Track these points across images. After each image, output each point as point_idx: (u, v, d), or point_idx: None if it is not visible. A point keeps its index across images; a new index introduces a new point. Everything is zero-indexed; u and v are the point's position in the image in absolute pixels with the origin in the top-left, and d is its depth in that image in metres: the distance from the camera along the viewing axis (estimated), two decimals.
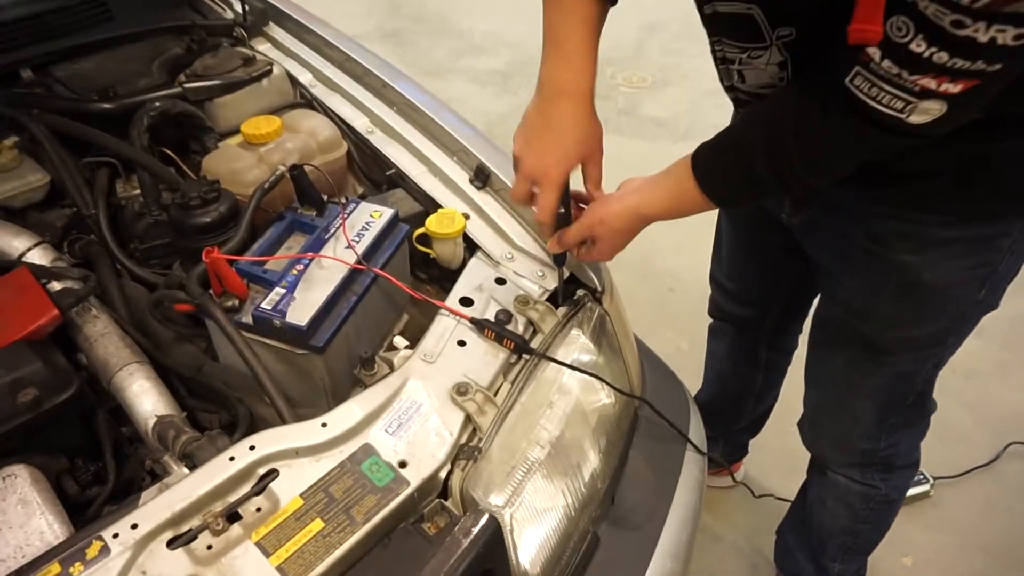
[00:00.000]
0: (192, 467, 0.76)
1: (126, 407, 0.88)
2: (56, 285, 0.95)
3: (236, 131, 1.17)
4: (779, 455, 1.74)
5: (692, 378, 1.68)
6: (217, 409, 0.95)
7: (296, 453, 0.75)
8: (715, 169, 0.84)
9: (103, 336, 0.92)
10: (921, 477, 1.64)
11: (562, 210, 0.92)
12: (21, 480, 0.77)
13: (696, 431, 1.04)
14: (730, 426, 1.58)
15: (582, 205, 0.96)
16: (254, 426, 0.88)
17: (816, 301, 1.17)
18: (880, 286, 0.97)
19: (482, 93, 3.32)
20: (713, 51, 0.91)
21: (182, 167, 1.15)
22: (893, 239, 0.93)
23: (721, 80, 0.97)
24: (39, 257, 0.97)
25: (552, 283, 1.00)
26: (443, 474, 0.77)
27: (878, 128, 0.70)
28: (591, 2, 0.84)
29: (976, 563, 1.56)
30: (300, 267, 0.93)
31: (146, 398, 0.88)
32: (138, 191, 1.11)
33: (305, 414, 0.94)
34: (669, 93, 3.28)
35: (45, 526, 0.73)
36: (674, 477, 0.97)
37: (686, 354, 2.01)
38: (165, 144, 1.17)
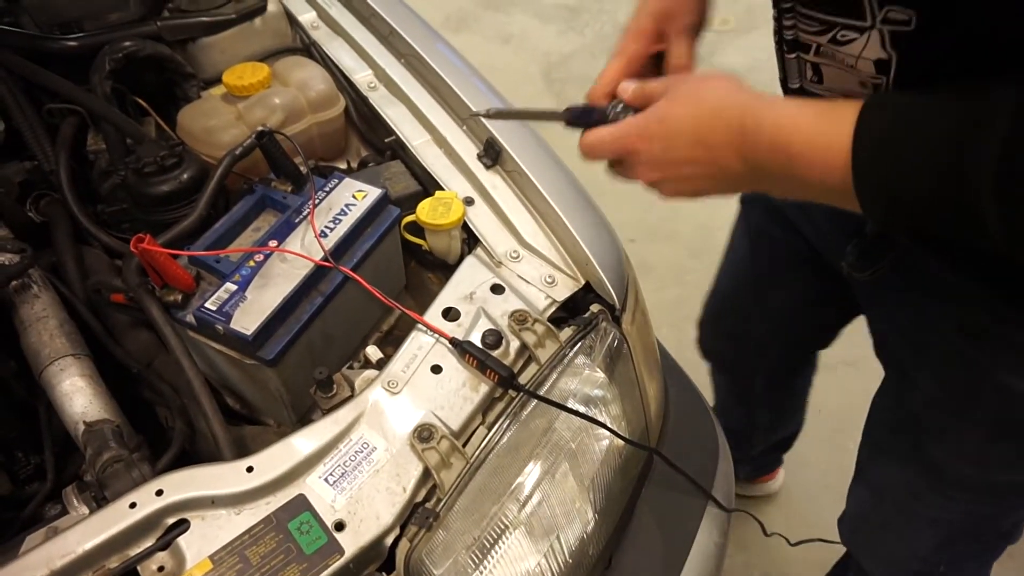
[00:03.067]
0: (101, 501, 0.65)
1: (55, 407, 0.77)
2: None
3: (218, 75, 1.02)
4: (826, 469, 1.55)
5: None
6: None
7: (212, 502, 0.62)
8: (896, 143, 0.49)
9: (38, 321, 0.81)
10: None
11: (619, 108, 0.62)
12: None
13: (724, 480, 0.87)
14: (747, 453, 1.38)
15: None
16: (193, 446, 0.76)
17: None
18: (966, 406, 0.71)
19: (545, 30, 3.05)
20: (779, 29, 0.64)
21: (158, 121, 1.01)
22: (1001, 348, 0.64)
23: (784, 78, 0.70)
24: None
25: (564, 293, 0.83)
26: (388, 541, 0.63)
27: None
28: None
29: None
30: (259, 258, 0.79)
31: (77, 398, 0.77)
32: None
33: (261, 430, 0.82)
34: (753, 39, 2.93)
35: None
36: (688, 539, 0.81)
37: None
38: (144, 91, 1.03)
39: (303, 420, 0.83)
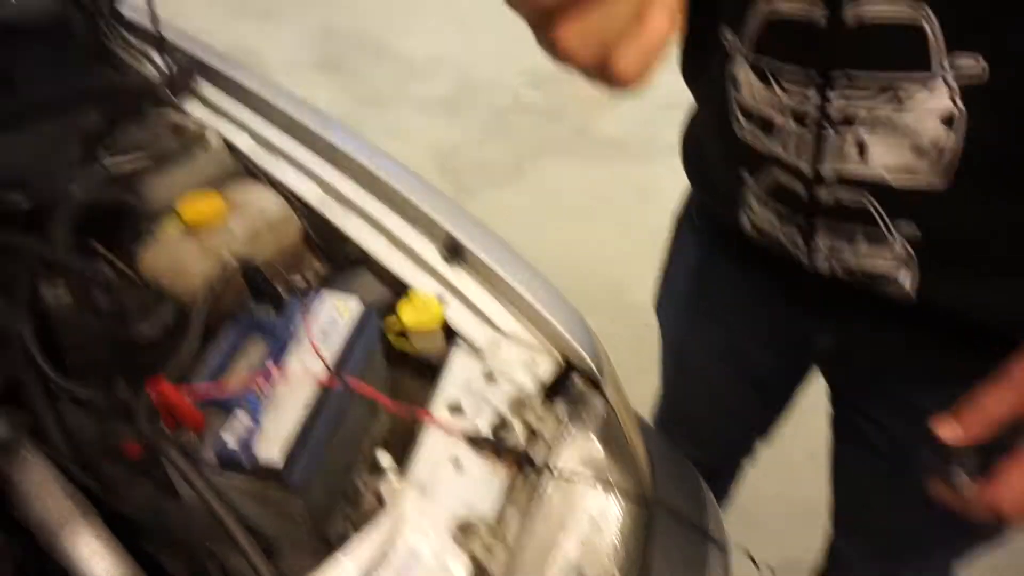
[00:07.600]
0: None
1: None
2: None
3: (172, 209, 1.04)
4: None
5: None
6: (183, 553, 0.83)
7: None
8: None
9: (39, 487, 0.79)
10: None
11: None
12: None
13: (715, 522, 0.97)
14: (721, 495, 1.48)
15: None
16: None
17: None
18: None
19: (431, 122, 3.16)
20: (821, 105, 0.58)
21: (116, 263, 1.01)
22: None
23: (813, 162, 0.61)
24: None
25: (548, 373, 0.91)
26: None
27: None
28: None
29: None
30: (263, 383, 0.82)
31: (97, 563, 0.76)
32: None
33: (288, 563, 0.83)
34: (623, 109, 3.18)
35: None
36: None
37: None
38: (94, 233, 1.03)
39: (323, 540, 0.86)
